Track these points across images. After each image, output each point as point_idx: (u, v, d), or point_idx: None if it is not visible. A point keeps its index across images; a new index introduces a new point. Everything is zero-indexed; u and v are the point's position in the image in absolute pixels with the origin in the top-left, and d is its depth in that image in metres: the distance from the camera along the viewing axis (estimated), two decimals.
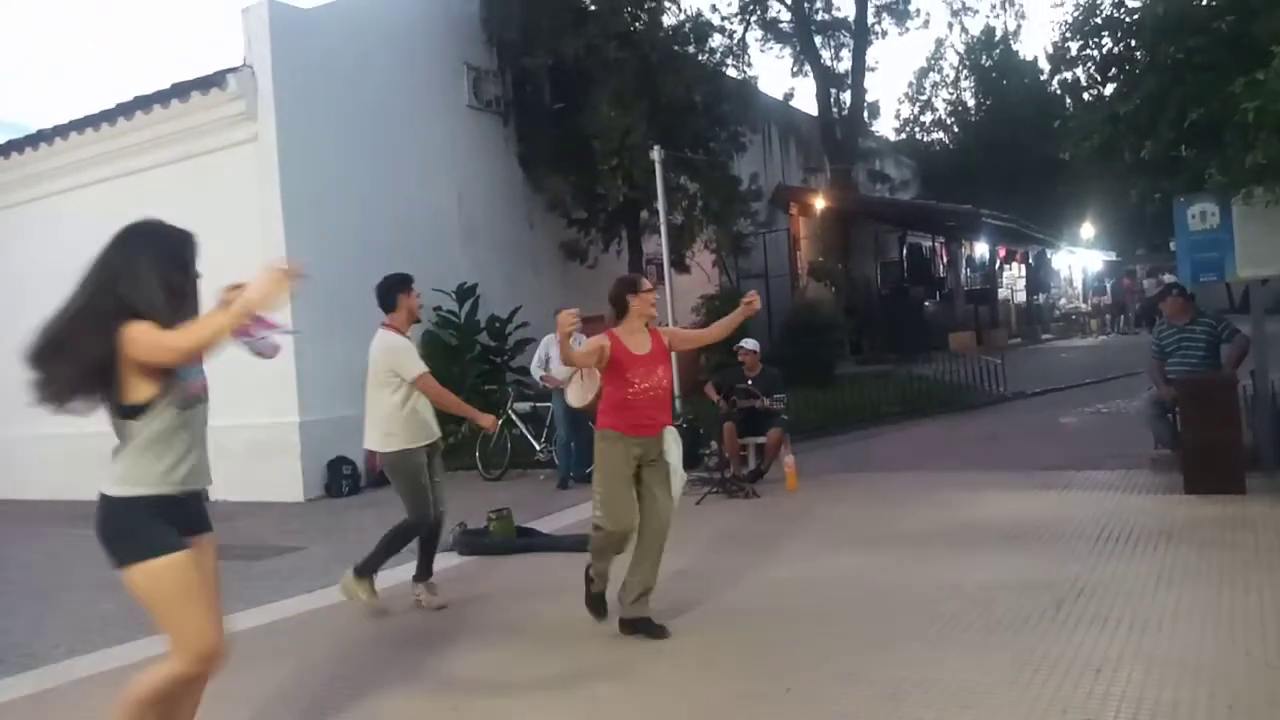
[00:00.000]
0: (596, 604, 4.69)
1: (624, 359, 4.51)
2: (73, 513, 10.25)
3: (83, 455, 11.34)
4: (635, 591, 4.48)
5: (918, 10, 22.94)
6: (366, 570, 5.29)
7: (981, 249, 23.78)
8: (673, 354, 4.85)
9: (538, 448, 10.10)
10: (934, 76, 34.10)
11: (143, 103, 10.60)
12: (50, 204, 11.79)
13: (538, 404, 10.31)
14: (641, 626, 4.45)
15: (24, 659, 4.87)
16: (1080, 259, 31.51)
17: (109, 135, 11.00)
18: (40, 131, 11.66)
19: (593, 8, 12.85)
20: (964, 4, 26.60)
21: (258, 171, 10.17)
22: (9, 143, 12.05)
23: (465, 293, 11.64)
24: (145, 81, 49.55)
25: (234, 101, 10.11)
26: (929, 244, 22.89)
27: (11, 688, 4.45)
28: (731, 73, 15.30)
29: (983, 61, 32.15)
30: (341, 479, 10.20)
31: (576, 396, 9.08)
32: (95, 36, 46.33)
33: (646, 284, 4.70)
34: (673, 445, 4.52)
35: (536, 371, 9.54)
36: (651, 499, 4.48)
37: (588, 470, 9.42)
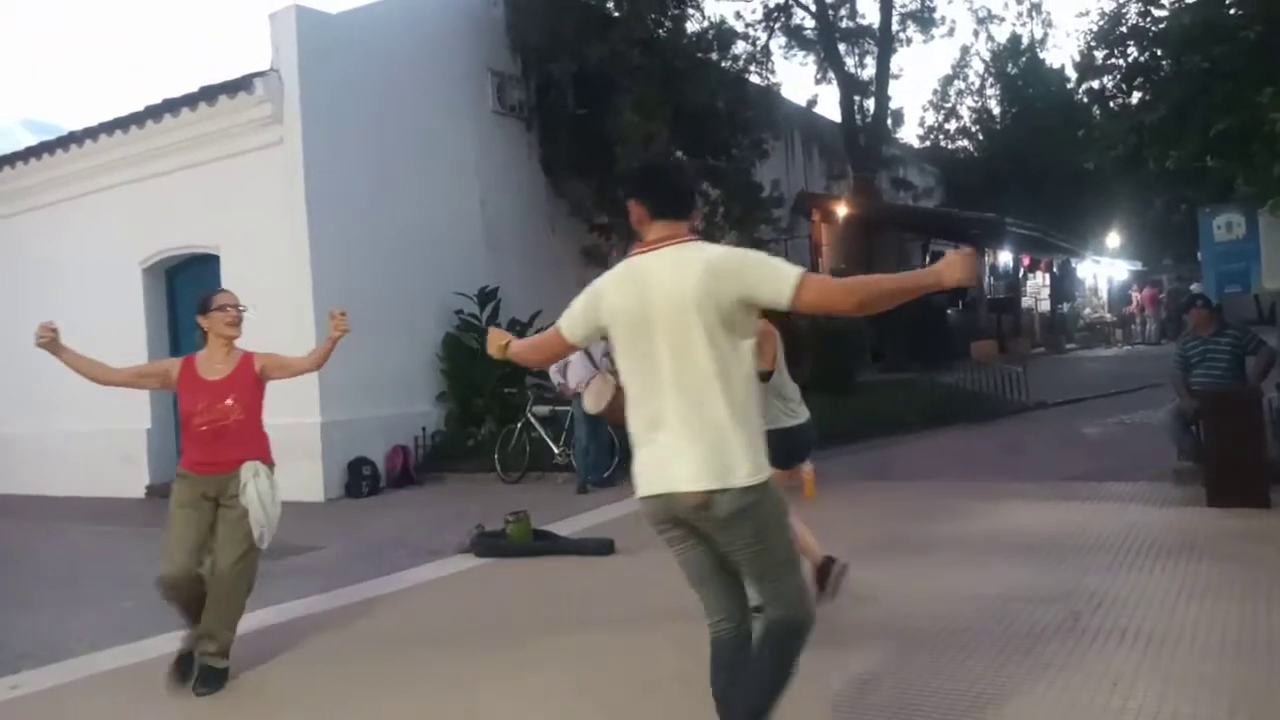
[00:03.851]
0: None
1: (189, 383, 4.26)
2: (91, 510, 10.43)
3: (101, 452, 11.59)
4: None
5: (943, 18, 22.97)
6: None
7: (1005, 257, 23.60)
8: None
9: (556, 451, 10.13)
10: (959, 84, 33.98)
11: (171, 106, 10.73)
12: (80, 204, 11.96)
13: (557, 407, 10.34)
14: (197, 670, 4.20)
15: (47, 653, 4.94)
16: (1105, 268, 31.25)
17: (138, 138, 11.14)
18: (71, 133, 11.83)
19: (616, 14, 12.88)
20: (990, 12, 26.58)
21: (283, 174, 10.27)
22: (41, 144, 12.23)
23: (487, 296, 11.69)
24: (174, 85, 50.26)
25: (260, 105, 10.22)
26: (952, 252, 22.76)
27: (34, 680, 4.52)
28: (755, 79, 15.32)
29: (1008, 69, 31.98)
30: (361, 480, 10.26)
31: (592, 402, 9.18)
32: (126, 40, 46.94)
33: (219, 300, 4.31)
34: (251, 484, 4.24)
35: (555, 376, 9.57)
36: (216, 546, 4.23)
37: (605, 474, 9.50)
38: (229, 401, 4.22)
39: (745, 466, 2.53)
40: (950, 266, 2.45)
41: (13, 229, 12.79)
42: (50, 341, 3.94)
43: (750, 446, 2.56)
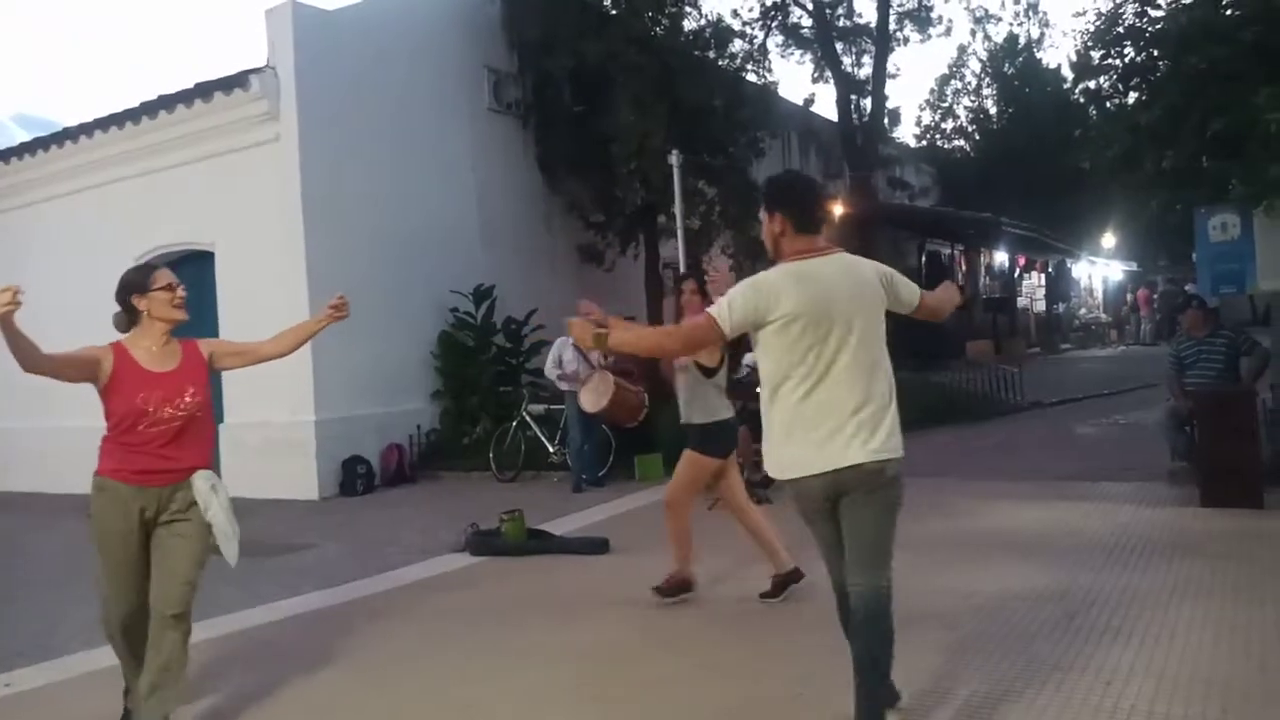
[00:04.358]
0: None
1: (132, 376, 3.50)
2: (85, 506, 10.39)
3: (94, 449, 11.55)
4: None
5: (940, 17, 22.77)
6: None
7: (1001, 257, 23.65)
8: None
9: (551, 450, 10.13)
10: (956, 84, 33.98)
11: (167, 102, 10.70)
12: (75, 200, 11.92)
13: (552, 406, 10.34)
14: None
15: (41, 651, 4.93)
16: (1101, 269, 31.32)
17: (134, 134, 11.12)
18: (66, 129, 11.79)
19: (614, 12, 12.87)
20: (987, 11, 26.62)
21: (279, 171, 10.25)
22: (36, 140, 12.20)
23: (482, 294, 11.68)
24: (169, 81, 50.22)
25: (256, 102, 10.20)
26: (948, 251, 22.79)
27: (29, 678, 4.51)
28: (751, 78, 15.29)
29: (1005, 69, 32.00)
30: (356, 478, 10.25)
31: (590, 401, 9.17)
32: (121, 35, 46.88)
33: (162, 278, 3.61)
34: (211, 496, 3.54)
35: (552, 372, 9.57)
36: (160, 570, 3.52)
37: (600, 473, 9.50)
38: (188, 397, 3.54)
39: (899, 440, 2.99)
40: (951, 294, 3.39)
41: (7, 224, 12.75)
42: (9, 313, 3.09)
43: (898, 423, 3.00)
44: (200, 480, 3.55)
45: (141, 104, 10.94)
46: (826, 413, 2.91)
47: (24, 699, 4.28)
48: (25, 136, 12.48)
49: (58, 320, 11.85)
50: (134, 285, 3.59)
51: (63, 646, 4.98)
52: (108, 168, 11.54)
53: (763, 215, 3.12)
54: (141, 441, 3.50)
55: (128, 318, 3.62)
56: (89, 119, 11.49)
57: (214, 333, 10.72)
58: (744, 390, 8.52)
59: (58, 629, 5.39)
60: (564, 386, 9.43)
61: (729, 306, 2.97)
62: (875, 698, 2.93)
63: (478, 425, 11.12)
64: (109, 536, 3.52)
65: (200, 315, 11.00)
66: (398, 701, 3.92)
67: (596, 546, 6.51)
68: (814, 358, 2.92)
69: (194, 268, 11.09)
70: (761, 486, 8.09)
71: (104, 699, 4.08)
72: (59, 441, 11.72)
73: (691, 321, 3.09)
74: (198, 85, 10.47)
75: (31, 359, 3.29)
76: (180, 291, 3.62)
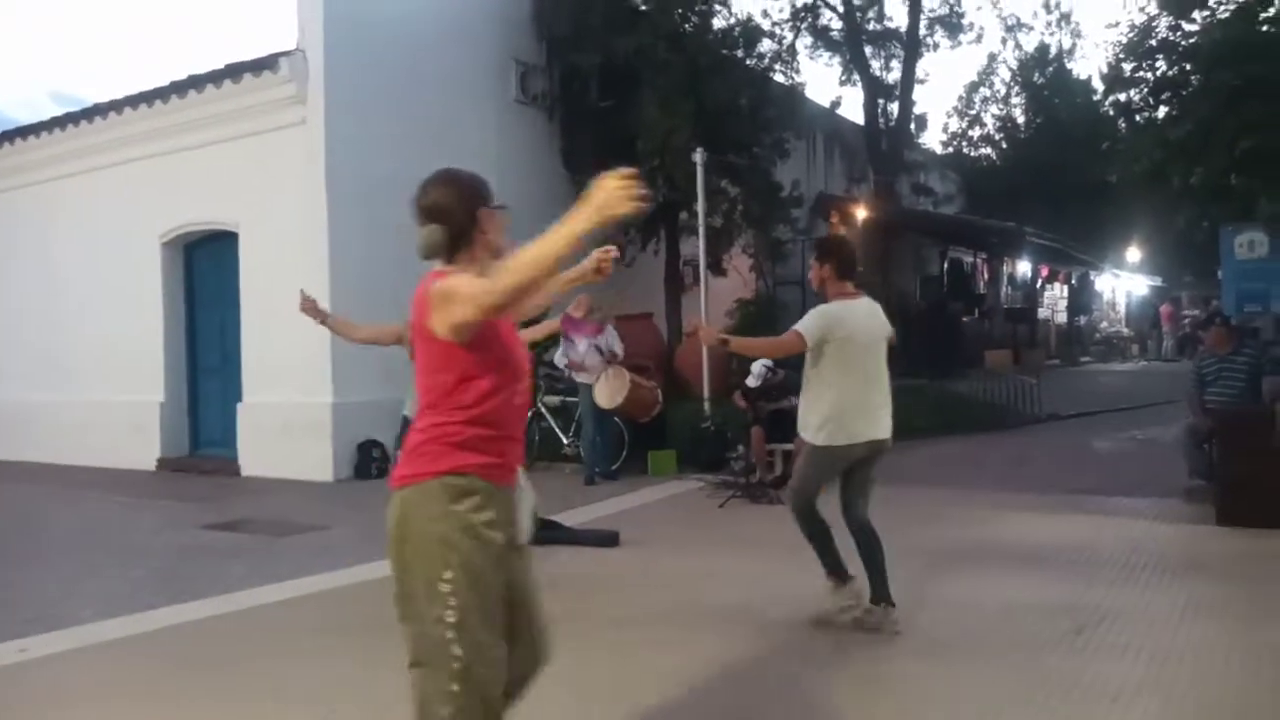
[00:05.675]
0: None
1: (500, 322, 2.37)
2: (103, 480, 10.51)
3: (114, 423, 11.59)
4: None
5: (971, 24, 22.61)
6: None
7: (1024, 267, 23.50)
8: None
9: (565, 441, 10.15)
10: (984, 91, 33.71)
11: (196, 82, 10.77)
12: (104, 176, 12.01)
13: (567, 398, 10.36)
14: None
15: (54, 619, 4.99)
16: (1124, 282, 31.08)
17: (162, 112, 11.19)
18: (96, 105, 11.89)
19: (644, 8, 12.86)
20: (1019, 20, 26.39)
21: (304, 155, 10.30)
22: (66, 115, 12.30)
23: None
24: (200, 61, 50.56)
25: (284, 85, 10.24)
26: (970, 260, 22.66)
27: (43, 645, 4.56)
28: (779, 78, 15.24)
29: (1035, 79, 31.76)
30: (370, 461, 10.30)
31: (605, 397, 9.20)
32: (154, 15, 47.22)
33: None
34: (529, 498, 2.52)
35: (560, 361, 9.60)
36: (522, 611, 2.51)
37: (613, 467, 9.52)
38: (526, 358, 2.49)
39: None
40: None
41: (35, 198, 12.87)
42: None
43: None
44: (525, 479, 2.48)
45: (170, 83, 11.00)
46: (872, 402, 4.32)
47: (40, 664, 4.33)
48: (60, 114, 12.60)
49: (81, 291, 12.03)
50: (480, 195, 2.44)
51: (75, 615, 5.04)
52: (135, 145, 11.63)
53: (813, 263, 4.52)
54: (504, 419, 2.33)
55: (452, 242, 2.37)
56: (120, 96, 11.59)
57: (235, 314, 10.83)
58: (759, 395, 8.55)
59: (72, 598, 5.46)
60: (578, 378, 9.45)
61: (810, 327, 4.25)
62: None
63: None
64: (483, 574, 2.24)
65: (222, 295, 11.26)
66: (403, 686, 3.93)
67: (607, 539, 6.53)
68: (862, 364, 4.31)
69: (217, 247, 11.19)
70: (772, 486, 8.10)
71: (115, 668, 4.13)
72: (73, 415, 11.86)
73: (785, 335, 4.38)
74: (227, 66, 10.53)
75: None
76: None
